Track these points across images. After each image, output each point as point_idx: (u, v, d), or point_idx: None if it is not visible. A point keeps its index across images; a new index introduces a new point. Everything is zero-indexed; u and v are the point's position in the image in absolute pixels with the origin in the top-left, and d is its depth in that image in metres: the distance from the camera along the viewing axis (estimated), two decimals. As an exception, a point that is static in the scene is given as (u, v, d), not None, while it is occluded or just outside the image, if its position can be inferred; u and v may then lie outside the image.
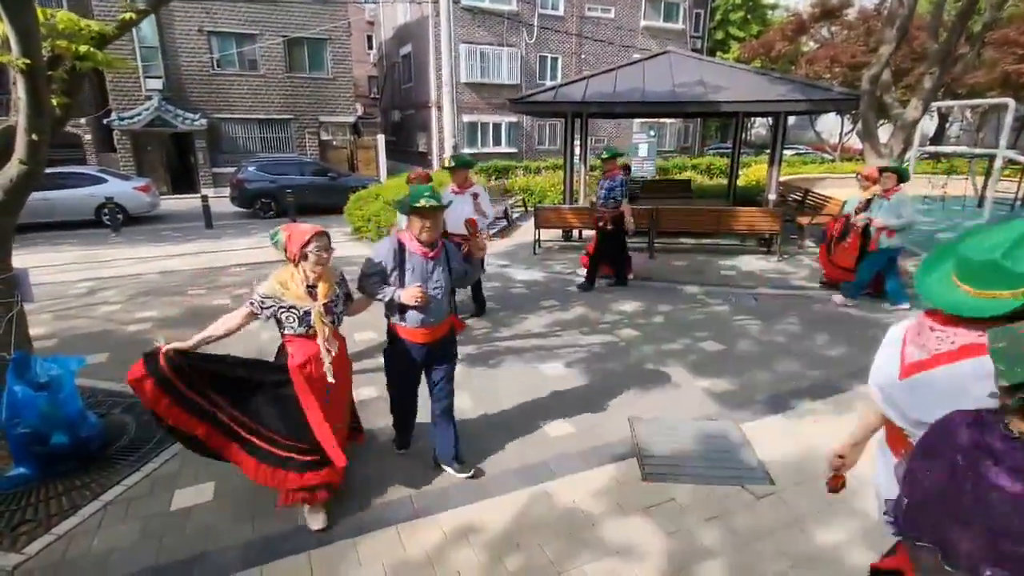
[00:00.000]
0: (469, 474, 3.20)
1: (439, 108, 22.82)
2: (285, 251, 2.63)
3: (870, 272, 6.16)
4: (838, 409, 4.02)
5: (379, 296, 2.92)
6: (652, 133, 19.75)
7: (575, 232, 10.11)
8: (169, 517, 2.87)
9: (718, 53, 31.27)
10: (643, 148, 18.21)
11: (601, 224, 6.72)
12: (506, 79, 23.67)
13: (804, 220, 9.76)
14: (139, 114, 17.56)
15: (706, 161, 21.96)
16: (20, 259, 3.48)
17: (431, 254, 2.93)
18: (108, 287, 7.38)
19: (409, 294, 2.83)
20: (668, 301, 6.60)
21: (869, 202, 6.14)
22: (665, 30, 26.79)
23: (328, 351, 2.67)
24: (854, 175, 6.10)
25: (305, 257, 2.61)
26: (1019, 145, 28.25)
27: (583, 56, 25.33)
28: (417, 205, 2.78)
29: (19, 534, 2.71)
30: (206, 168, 19.12)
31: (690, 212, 9.66)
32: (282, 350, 2.75)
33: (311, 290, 2.66)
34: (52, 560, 2.57)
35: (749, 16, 31.24)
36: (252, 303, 2.63)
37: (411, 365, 3.10)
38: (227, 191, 15.22)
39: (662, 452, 3.47)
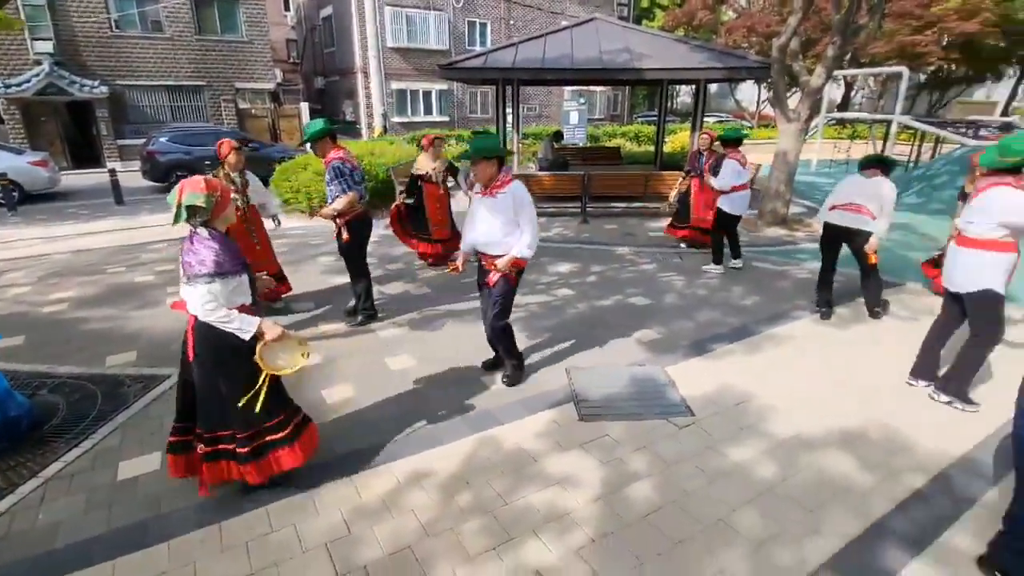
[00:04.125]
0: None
1: (365, 74, 22.06)
2: None
3: None
4: (750, 350, 4.47)
5: None
6: (582, 101, 20.04)
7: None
8: (116, 488, 2.86)
9: (644, 21, 31.76)
10: (574, 116, 18.49)
11: (334, 233, 4.77)
12: (434, 44, 23.15)
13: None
14: (28, 80, 15.91)
15: (634, 129, 22.58)
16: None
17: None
18: (13, 269, 6.86)
19: None
20: (601, 262, 6.93)
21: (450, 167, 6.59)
22: (592, -4, 26.90)
23: None
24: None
25: None
26: (914, 111, 30.80)
27: (512, 22, 25.10)
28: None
29: (-47, 516, 2.64)
30: (111, 140, 17.71)
31: (619, 177, 10.03)
32: None
33: None
34: (-6, 537, 2.54)
35: (672, -16, 31.83)
36: None
37: None
38: (137, 164, 14.22)
39: (596, 396, 3.77)
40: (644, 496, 2.80)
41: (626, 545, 2.49)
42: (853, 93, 33.40)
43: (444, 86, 23.69)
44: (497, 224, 3.50)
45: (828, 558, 2.42)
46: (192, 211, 2.42)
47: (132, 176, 14.09)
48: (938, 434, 3.32)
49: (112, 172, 11.91)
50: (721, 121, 30.69)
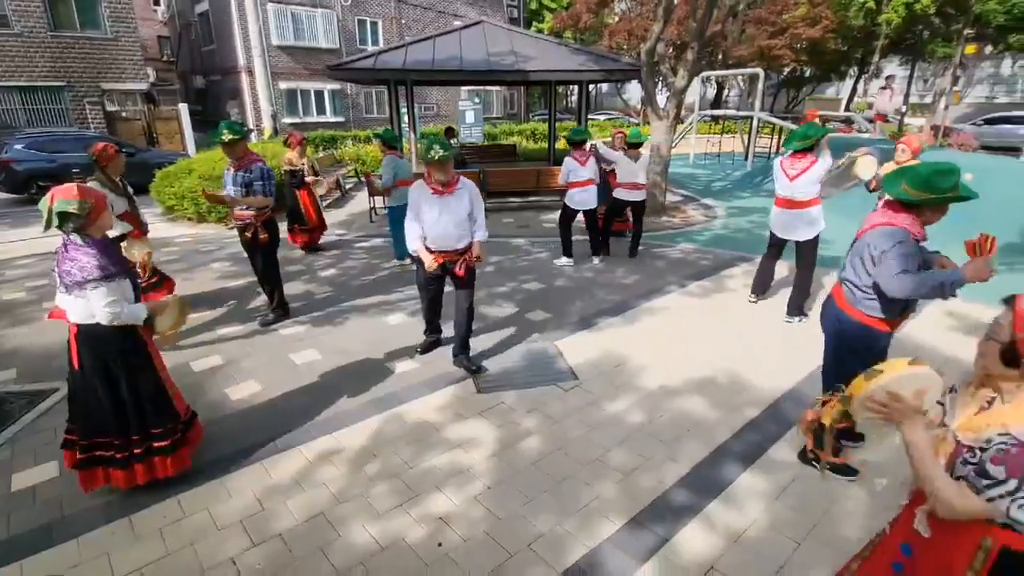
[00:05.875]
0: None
1: (250, 73, 21.10)
2: None
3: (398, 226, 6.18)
4: (628, 321, 5.06)
5: None
6: (478, 100, 20.45)
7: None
8: (11, 498, 2.83)
9: (534, 23, 32.80)
10: (470, 115, 18.84)
11: (248, 234, 4.73)
12: (323, 43, 22.55)
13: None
14: None
15: (531, 127, 23.33)
16: None
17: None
18: None
19: None
20: (499, 253, 7.35)
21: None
22: (482, -2, 27.38)
23: None
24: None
25: None
26: (776, 108, 34.34)
27: (404, 21, 25.00)
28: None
29: None
30: (-49, 148, 15.63)
31: (514, 173, 10.54)
32: None
33: None
34: None
35: (559, -13, 33.07)
36: None
37: None
38: (-12, 174, 12.74)
39: (493, 371, 4.15)
40: (534, 447, 3.21)
41: (517, 487, 2.88)
42: (726, 92, 36.58)
43: (337, 86, 23.14)
44: (460, 218, 3.84)
45: (679, 478, 2.95)
46: (64, 217, 2.36)
47: (-18, 188, 12.60)
48: (773, 374, 4.03)
49: (-43, 184, 10.65)
50: (611, 119, 32.40)
